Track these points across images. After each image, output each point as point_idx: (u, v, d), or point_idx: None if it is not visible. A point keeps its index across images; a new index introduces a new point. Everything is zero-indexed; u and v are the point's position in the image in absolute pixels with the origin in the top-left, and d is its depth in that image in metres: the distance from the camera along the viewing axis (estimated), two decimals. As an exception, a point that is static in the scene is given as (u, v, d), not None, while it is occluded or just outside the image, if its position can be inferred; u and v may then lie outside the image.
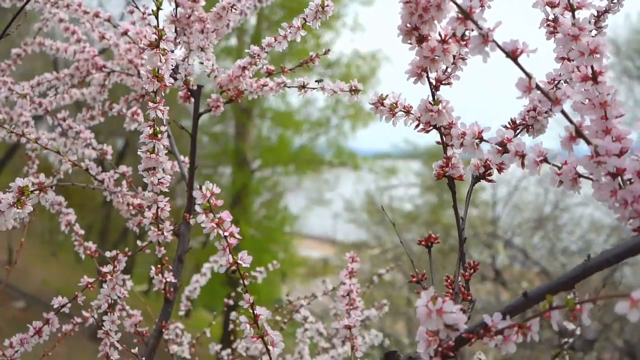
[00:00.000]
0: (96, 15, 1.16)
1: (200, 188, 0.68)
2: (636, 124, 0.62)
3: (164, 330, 1.08)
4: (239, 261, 0.71)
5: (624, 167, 0.57)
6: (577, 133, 0.58)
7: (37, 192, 0.76)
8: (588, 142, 0.57)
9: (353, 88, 0.93)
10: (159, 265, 1.05)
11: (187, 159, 1.22)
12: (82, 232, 1.19)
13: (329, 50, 1.11)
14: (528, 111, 0.77)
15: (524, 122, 0.78)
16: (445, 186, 0.74)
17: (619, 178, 0.57)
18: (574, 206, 6.83)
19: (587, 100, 0.62)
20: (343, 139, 11.83)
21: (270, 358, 0.72)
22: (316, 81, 1.03)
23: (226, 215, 0.70)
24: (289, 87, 1.07)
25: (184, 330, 1.42)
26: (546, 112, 0.76)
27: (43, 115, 1.31)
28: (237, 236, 0.70)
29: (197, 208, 0.68)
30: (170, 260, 1.08)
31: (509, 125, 0.78)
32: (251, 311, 0.73)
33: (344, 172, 11.92)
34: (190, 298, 1.56)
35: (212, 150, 11.88)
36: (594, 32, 0.80)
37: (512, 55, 0.57)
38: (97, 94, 1.28)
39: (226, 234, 0.69)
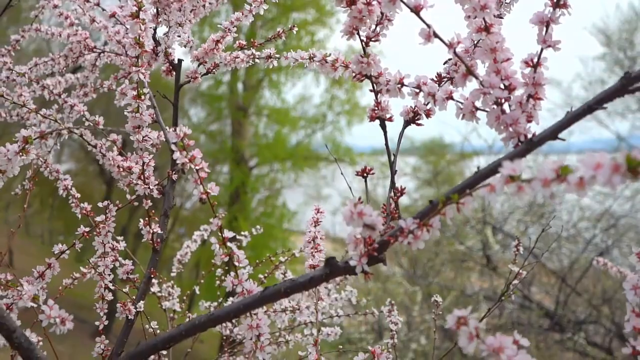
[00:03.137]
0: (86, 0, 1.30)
1: (175, 130, 0.82)
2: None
3: (152, 276, 1.23)
4: (208, 190, 0.85)
5: (507, 97, 0.71)
6: (468, 71, 0.72)
7: (38, 139, 0.90)
8: (477, 78, 0.71)
9: (311, 56, 1.07)
10: (147, 218, 1.19)
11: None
12: (78, 195, 1.33)
13: (294, 26, 1.26)
14: (451, 65, 0.92)
15: (448, 75, 0.92)
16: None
17: (503, 107, 0.72)
18: (564, 192, 6.97)
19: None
20: (339, 135, 11.98)
21: (237, 273, 0.86)
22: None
23: (197, 153, 0.84)
24: (258, 58, 1.21)
25: (173, 284, 1.57)
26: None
27: (47, 98, 1.45)
28: (207, 169, 0.84)
29: (172, 146, 0.82)
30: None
31: (435, 78, 0.92)
32: (220, 234, 0.87)
33: (341, 167, 12.02)
34: (181, 261, 1.71)
35: (209, 149, 12.00)
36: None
37: (415, 9, 0.71)
38: (90, 72, 1.42)
39: (198, 167, 0.83)
